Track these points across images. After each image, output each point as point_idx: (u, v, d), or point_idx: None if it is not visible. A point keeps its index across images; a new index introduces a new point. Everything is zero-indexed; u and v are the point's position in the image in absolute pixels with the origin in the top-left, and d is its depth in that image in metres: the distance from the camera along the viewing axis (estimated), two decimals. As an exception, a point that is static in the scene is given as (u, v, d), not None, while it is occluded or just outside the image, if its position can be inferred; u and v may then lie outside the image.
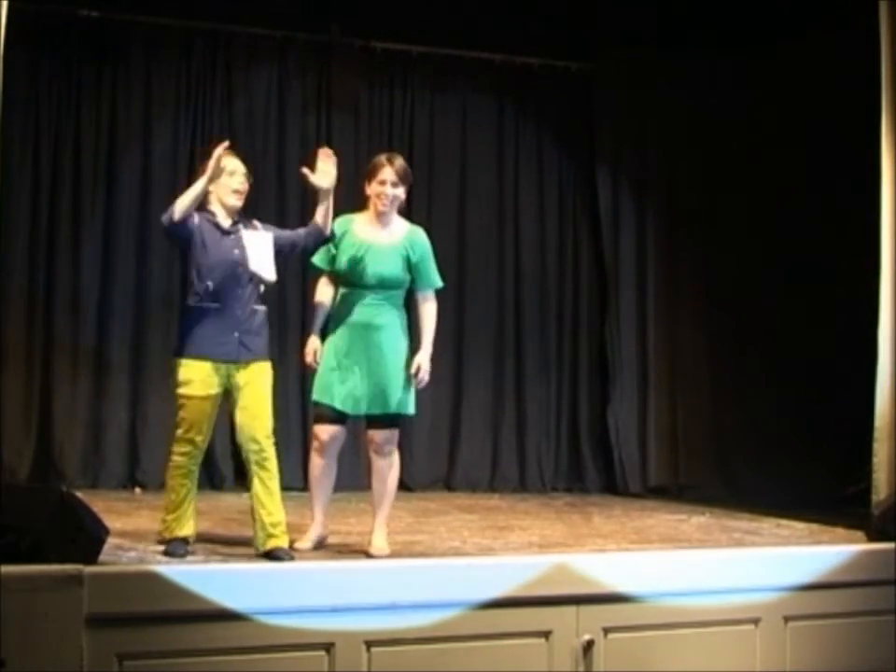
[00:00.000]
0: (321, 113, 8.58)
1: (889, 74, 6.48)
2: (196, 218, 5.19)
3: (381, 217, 5.53)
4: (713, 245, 9.02)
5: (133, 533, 5.72)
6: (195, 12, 8.09)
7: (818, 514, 7.09)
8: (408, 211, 8.56)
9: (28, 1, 7.18)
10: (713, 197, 9.03)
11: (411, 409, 5.55)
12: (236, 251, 5.20)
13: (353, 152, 8.55)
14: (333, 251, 5.53)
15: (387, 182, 5.49)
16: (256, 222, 5.40)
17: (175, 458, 5.18)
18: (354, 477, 7.33)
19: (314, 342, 5.53)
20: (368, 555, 5.36)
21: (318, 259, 5.59)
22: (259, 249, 5.25)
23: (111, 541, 4.77)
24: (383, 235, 5.54)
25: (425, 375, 5.48)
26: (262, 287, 5.28)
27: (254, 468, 5.17)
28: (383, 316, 5.49)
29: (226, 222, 5.26)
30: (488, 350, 8.87)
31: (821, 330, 8.47)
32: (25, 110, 7.78)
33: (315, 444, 5.50)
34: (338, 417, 5.47)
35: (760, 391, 8.75)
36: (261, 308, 5.28)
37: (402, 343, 5.53)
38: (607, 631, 5.07)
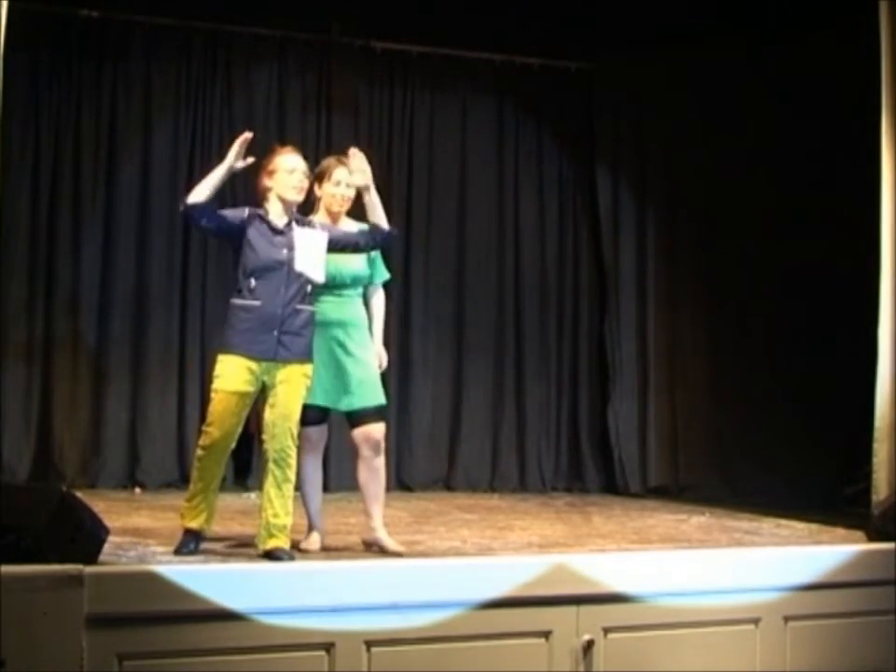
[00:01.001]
0: (321, 113, 8.59)
1: (889, 74, 6.48)
2: (246, 214, 5.19)
3: (336, 217, 5.58)
4: (713, 245, 9.01)
5: (133, 533, 5.73)
6: (195, 12, 8.10)
7: (818, 514, 7.09)
8: (408, 211, 8.66)
9: (28, 1, 7.18)
10: (713, 197, 9.02)
11: (383, 399, 5.62)
12: (285, 251, 5.16)
13: (353, 152, 8.57)
14: None
15: (342, 182, 5.53)
16: (314, 220, 5.38)
17: (197, 451, 5.18)
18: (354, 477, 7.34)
19: None
20: (386, 553, 5.40)
21: None
22: (309, 249, 5.21)
23: (111, 541, 4.77)
24: None
25: (384, 363, 5.69)
26: (310, 288, 5.23)
27: (271, 465, 5.16)
28: (354, 313, 5.58)
29: (280, 221, 5.22)
30: (488, 350, 8.87)
31: (821, 330, 8.47)
32: (25, 110, 7.78)
33: (306, 445, 5.47)
34: (324, 416, 5.55)
35: (760, 391, 8.75)
36: (306, 308, 5.23)
37: (369, 337, 5.64)
38: (607, 631, 5.06)
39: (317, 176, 5.57)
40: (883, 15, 6.52)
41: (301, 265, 5.17)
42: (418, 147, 8.78)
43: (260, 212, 5.24)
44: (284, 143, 8.25)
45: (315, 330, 5.35)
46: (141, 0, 8.04)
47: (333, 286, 5.48)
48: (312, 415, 5.44)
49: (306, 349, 5.24)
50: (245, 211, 5.24)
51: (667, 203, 9.15)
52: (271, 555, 5.07)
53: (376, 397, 5.53)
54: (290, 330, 5.16)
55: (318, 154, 8.32)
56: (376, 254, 5.68)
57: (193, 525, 5.15)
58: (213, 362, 5.22)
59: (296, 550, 5.28)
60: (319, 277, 5.24)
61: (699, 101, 8.94)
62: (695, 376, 9.06)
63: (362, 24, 8.41)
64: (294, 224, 5.23)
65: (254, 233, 5.17)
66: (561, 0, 8.42)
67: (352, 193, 5.56)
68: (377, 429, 5.53)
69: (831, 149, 8.33)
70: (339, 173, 5.54)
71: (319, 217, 5.57)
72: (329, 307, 5.47)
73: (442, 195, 8.84)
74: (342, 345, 5.49)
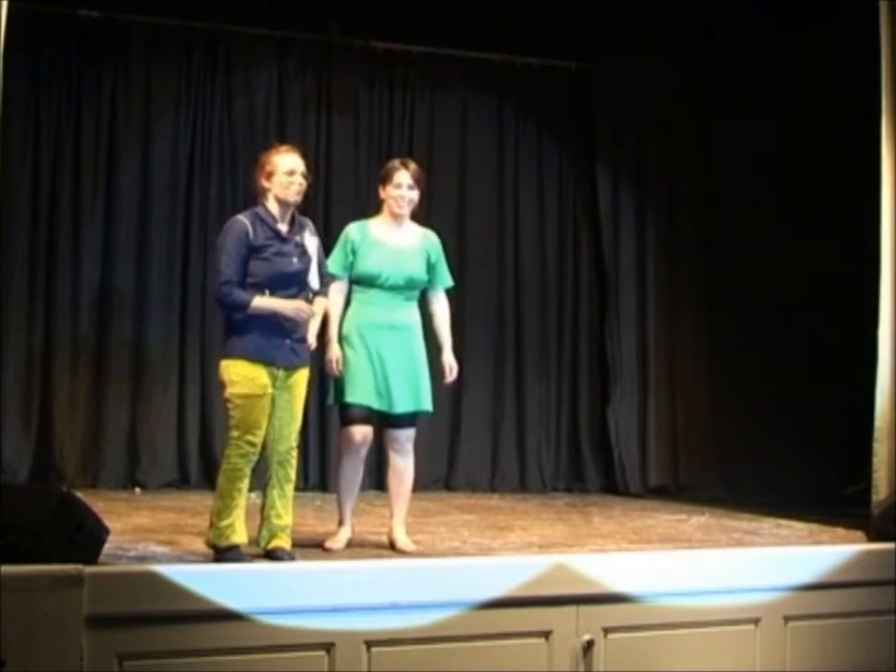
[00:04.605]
0: (321, 113, 8.58)
1: (889, 74, 6.47)
2: (248, 224, 5.08)
3: (397, 219, 5.65)
4: (713, 245, 9.02)
5: (133, 533, 5.73)
6: (195, 12, 8.09)
7: (818, 514, 7.09)
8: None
9: (28, 1, 7.18)
10: (713, 197, 9.03)
11: (430, 406, 5.70)
12: (294, 259, 5.13)
13: (353, 152, 8.57)
14: (351, 257, 5.59)
15: (403, 185, 5.61)
16: (310, 224, 5.32)
17: (233, 461, 5.02)
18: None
19: (336, 349, 5.54)
20: (397, 551, 5.49)
21: (336, 267, 5.58)
22: (314, 257, 5.23)
23: (111, 541, 4.77)
24: (402, 237, 5.66)
25: (454, 373, 5.74)
26: (311, 294, 5.25)
27: (275, 467, 5.18)
28: (408, 316, 5.61)
29: (284, 226, 5.17)
30: (488, 350, 8.86)
31: (821, 330, 8.47)
32: (25, 110, 7.78)
33: (347, 447, 5.55)
34: (370, 417, 5.57)
35: (760, 391, 8.75)
36: None
37: (422, 342, 5.67)
38: (607, 631, 5.06)
39: (380, 180, 5.67)
40: (883, 15, 6.52)
41: (312, 276, 5.18)
42: (418, 147, 8.77)
43: (261, 213, 5.16)
44: (283, 141, 8.27)
45: (360, 331, 5.45)
46: (141, 0, 8.04)
47: (384, 287, 5.54)
48: (358, 415, 5.50)
49: (309, 353, 5.26)
50: (246, 222, 5.10)
51: (667, 203, 9.15)
52: (271, 555, 5.09)
53: (413, 402, 5.57)
54: (298, 336, 5.17)
55: (318, 155, 8.37)
56: (438, 258, 5.72)
57: (240, 539, 5.04)
58: (213, 363, 5.20)
59: (320, 549, 5.37)
60: (315, 284, 5.26)
61: (699, 101, 8.94)
62: (695, 376, 9.06)
63: (362, 24, 8.41)
64: (305, 231, 5.21)
65: (260, 240, 5.09)
66: (561, 0, 8.41)
67: (414, 196, 5.63)
68: (404, 433, 5.61)
69: (831, 148, 8.33)
70: (400, 176, 5.60)
71: (383, 217, 5.66)
72: (377, 309, 5.52)
73: (442, 195, 8.81)
74: (392, 349, 5.53)
